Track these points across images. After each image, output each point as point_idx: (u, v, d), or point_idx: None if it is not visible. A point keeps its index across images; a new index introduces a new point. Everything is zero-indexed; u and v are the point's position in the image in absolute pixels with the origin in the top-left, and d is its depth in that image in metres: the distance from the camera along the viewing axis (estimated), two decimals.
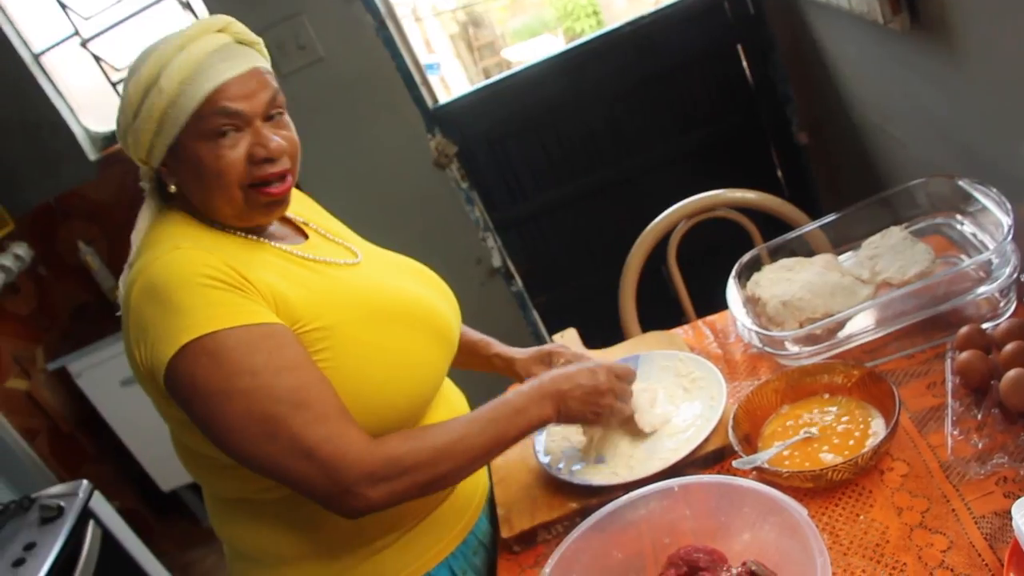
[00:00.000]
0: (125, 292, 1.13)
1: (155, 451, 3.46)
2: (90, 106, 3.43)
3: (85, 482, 2.39)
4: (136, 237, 1.22)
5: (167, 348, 1.06)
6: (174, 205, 1.22)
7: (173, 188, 1.19)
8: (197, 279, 1.07)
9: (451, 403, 1.38)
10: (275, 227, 1.29)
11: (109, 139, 3.47)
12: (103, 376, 3.34)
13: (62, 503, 2.27)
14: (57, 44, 3.31)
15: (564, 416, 1.26)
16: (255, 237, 1.22)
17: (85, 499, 2.32)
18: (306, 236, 1.32)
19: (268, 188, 1.17)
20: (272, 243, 1.23)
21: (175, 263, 1.09)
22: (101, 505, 2.39)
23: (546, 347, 1.52)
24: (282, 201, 1.21)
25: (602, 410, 1.29)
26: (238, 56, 1.14)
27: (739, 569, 0.99)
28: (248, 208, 1.18)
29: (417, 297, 1.29)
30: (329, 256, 1.27)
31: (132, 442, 3.49)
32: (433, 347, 1.27)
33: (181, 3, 3.21)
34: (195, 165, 1.14)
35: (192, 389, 1.07)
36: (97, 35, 3.28)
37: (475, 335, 1.57)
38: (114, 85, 3.37)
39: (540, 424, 1.23)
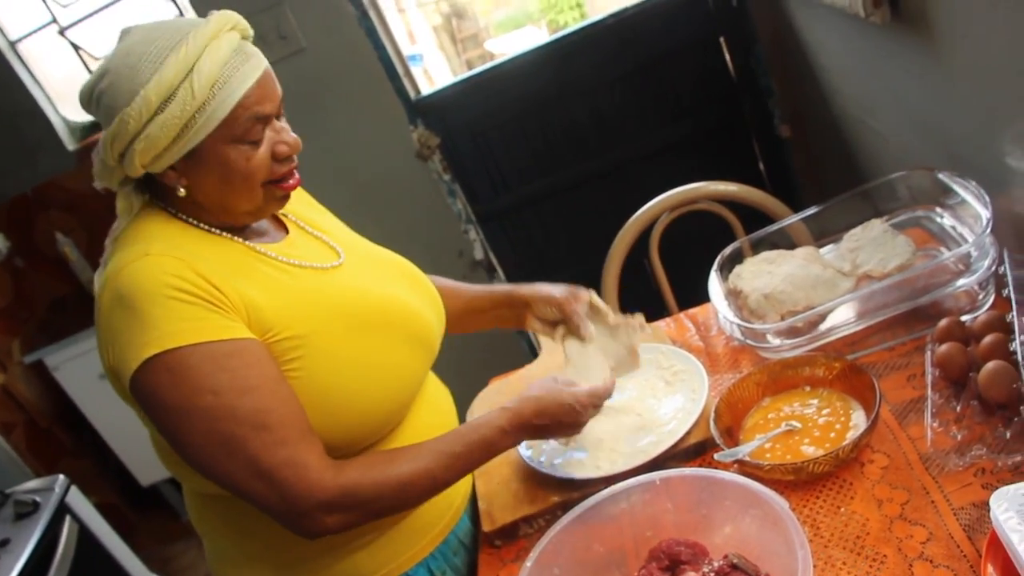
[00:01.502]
0: (98, 293, 1.11)
1: (134, 446, 3.42)
2: (68, 95, 3.39)
3: (61, 477, 2.36)
4: (114, 232, 1.19)
5: (131, 360, 1.05)
6: (154, 203, 1.19)
7: (183, 192, 1.13)
8: (164, 290, 1.05)
9: (434, 403, 1.36)
10: (257, 222, 1.26)
11: (88, 129, 3.43)
12: (81, 369, 3.31)
13: (37, 498, 2.25)
14: (34, 32, 3.26)
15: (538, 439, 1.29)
16: (230, 235, 1.19)
17: (61, 494, 2.30)
18: (287, 230, 1.29)
19: (285, 184, 1.17)
20: (250, 243, 1.20)
21: (143, 272, 1.07)
22: (78, 500, 2.37)
23: (567, 302, 1.47)
24: (290, 195, 1.21)
25: (577, 431, 1.28)
26: (253, 56, 1.12)
27: (721, 562, 0.99)
28: (264, 204, 1.17)
29: (397, 302, 1.27)
30: (308, 257, 1.24)
31: (111, 436, 3.46)
32: (411, 354, 1.26)
33: None
34: (221, 167, 1.11)
35: (154, 402, 1.06)
36: (75, 23, 3.24)
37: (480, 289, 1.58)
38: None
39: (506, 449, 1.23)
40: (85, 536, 2.34)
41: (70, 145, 3.35)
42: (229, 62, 1.08)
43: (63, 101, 3.38)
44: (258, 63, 1.11)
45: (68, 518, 2.29)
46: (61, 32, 3.24)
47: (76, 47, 3.27)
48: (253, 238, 1.22)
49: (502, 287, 1.57)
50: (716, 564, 1.00)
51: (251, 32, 1.16)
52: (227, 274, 1.11)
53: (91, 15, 3.22)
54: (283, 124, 1.17)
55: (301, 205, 1.37)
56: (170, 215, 1.17)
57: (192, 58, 1.06)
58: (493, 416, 1.21)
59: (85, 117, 3.41)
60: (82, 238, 3.50)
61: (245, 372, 1.07)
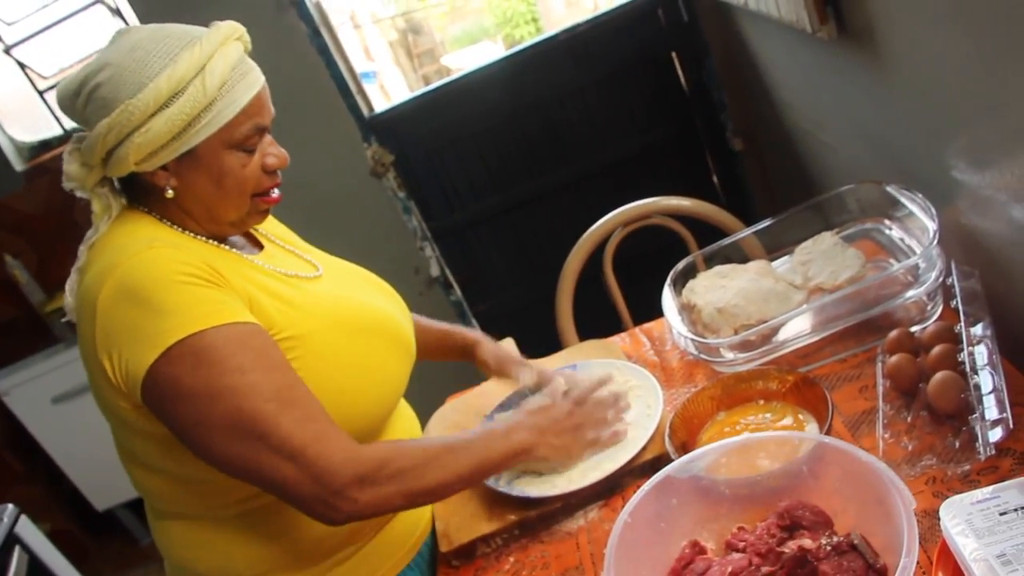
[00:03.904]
0: (87, 296, 1.07)
1: (89, 470, 3.35)
2: (15, 114, 3.32)
3: (10, 506, 2.29)
4: (91, 238, 1.16)
5: (148, 352, 1.02)
6: (138, 207, 1.18)
7: (171, 193, 1.13)
8: (177, 277, 1.04)
9: (406, 419, 1.38)
10: (234, 236, 1.27)
11: (37, 149, 3.36)
12: (33, 394, 3.24)
13: None
14: None
15: (544, 447, 1.27)
16: (216, 243, 1.20)
17: (10, 524, 2.23)
18: (261, 246, 1.30)
19: (270, 197, 1.20)
20: (235, 251, 1.21)
21: (151, 262, 1.05)
22: (28, 529, 2.30)
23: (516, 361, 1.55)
24: (270, 209, 1.23)
25: (579, 442, 1.30)
26: (255, 68, 1.15)
27: (842, 538, 0.95)
28: (248, 215, 1.19)
29: (380, 309, 1.30)
30: (291, 268, 1.26)
31: (64, 462, 3.38)
32: (396, 358, 1.28)
33: (110, 9, 3.13)
34: (216, 171, 1.12)
35: (175, 392, 1.03)
36: (21, 41, 3.18)
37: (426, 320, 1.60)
38: (41, 93, 3.27)
39: (522, 453, 1.24)
40: (36, 567, 2.27)
41: (18, 166, 3.28)
42: (237, 68, 1.11)
43: (10, 120, 3.31)
44: (260, 75, 1.14)
45: (17, 549, 2.22)
46: (7, 50, 3.18)
47: (23, 65, 3.21)
48: (235, 248, 1.23)
49: (441, 328, 1.62)
50: (835, 539, 0.95)
51: (250, 47, 1.18)
52: (228, 273, 1.11)
53: (38, 33, 3.17)
54: (272, 140, 1.19)
55: (270, 222, 1.38)
56: (156, 220, 1.16)
57: (205, 57, 1.08)
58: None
59: (33, 137, 3.35)
60: (32, 260, 3.42)
61: (267, 351, 1.07)
